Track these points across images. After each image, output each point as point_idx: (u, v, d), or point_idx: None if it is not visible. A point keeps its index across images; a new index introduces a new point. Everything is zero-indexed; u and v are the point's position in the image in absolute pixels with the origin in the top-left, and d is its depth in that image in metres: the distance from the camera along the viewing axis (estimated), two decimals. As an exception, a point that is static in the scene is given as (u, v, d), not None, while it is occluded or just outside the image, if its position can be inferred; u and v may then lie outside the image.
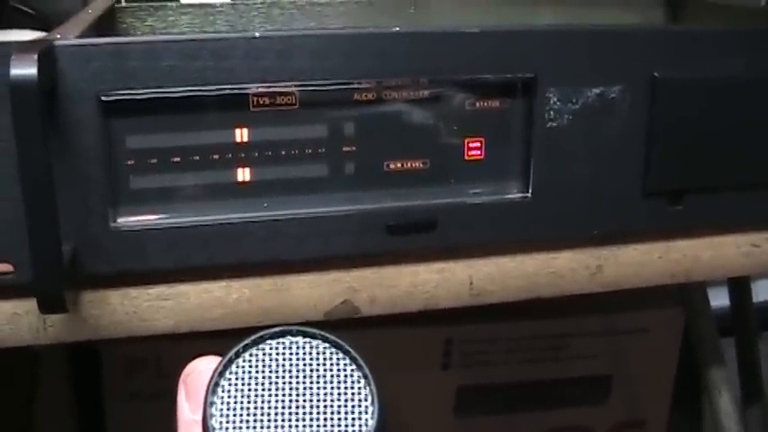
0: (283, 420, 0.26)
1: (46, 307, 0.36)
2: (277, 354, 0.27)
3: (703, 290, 0.67)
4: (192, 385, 0.28)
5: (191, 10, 0.56)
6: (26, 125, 0.33)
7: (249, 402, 0.26)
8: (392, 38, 0.40)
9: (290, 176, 0.41)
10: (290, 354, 0.27)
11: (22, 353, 0.46)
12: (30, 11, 0.58)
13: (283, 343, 0.27)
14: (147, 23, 0.53)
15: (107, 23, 0.49)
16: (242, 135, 0.40)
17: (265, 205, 0.41)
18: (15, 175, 0.34)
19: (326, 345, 0.28)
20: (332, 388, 0.27)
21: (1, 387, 0.69)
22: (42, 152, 0.33)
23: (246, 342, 0.27)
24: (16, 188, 0.34)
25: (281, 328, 0.28)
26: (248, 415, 0.26)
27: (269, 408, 0.26)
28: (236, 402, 0.26)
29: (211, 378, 0.27)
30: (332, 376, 0.27)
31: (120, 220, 0.39)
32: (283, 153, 0.40)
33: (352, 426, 0.26)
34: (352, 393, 0.27)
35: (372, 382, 0.27)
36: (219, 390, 0.26)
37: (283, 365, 0.27)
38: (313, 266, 0.42)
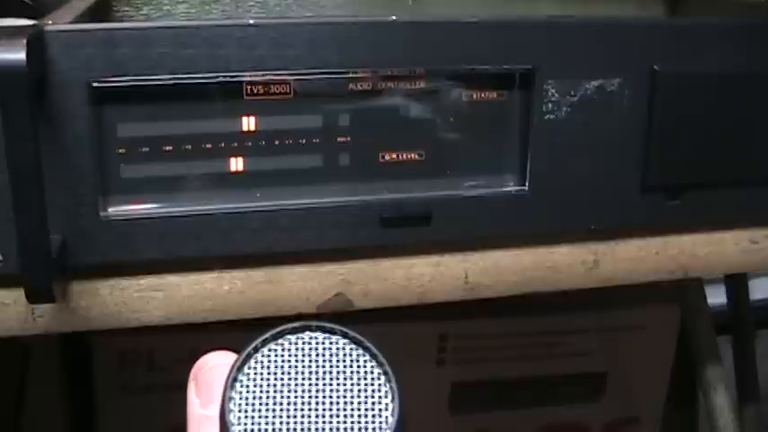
0: (302, 416, 0.26)
1: (34, 297, 0.36)
2: (296, 349, 0.27)
3: (700, 287, 0.67)
4: (202, 380, 0.28)
5: (187, -1, 0.56)
6: (14, 113, 0.32)
7: (268, 397, 0.26)
8: (389, 27, 0.39)
9: (283, 167, 0.40)
10: (310, 349, 0.27)
11: (12, 345, 0.46)
12: (27, 0, 0.57)
13: (303, 338, 0.27)
14: (142, 12, 0.52)
15: (101, 11, 0.48)
16: (235, 124, 0.39)
17: (258, 196, 0.40)
18: (3, 163, 0.34)
19: (346, 340, 0.27)
20: (352, 384, 0.26)
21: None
22: (31, 140, 0.33)
23: (265, 336, 0.27)
24: (4, 177, 0.34)
25: (300, 323, 0.27)
26: (267, 410, 0.26)
27: (288, 403, 0.26)
28: (254, 397, 0.26)
29: (230, 373, 0.26)
30: (352, 372, 0.27)
31: (111, 209, 0.38)
32: (277, 143, 0.40)
33: (372, 422, 0.26)
34: (372, 390, 0.26)
35: (393, 379, 0.26)
36: (238, 384, 0.26)
37: (303, 361, 0.27)
38: (306, 258, 0.42)
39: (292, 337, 0.27)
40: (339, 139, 0.40)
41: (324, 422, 0.26)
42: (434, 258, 0.43)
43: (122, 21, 0.49)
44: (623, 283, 0.47)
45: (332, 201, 0.40)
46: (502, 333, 0.76)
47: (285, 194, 0.40)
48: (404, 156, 0.41)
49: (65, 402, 0.72)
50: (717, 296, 0.76)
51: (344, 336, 0.27)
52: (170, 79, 0.37)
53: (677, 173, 0.45)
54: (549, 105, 0.42)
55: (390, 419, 0.26)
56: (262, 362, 0.26)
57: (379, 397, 0.26)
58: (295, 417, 0.26)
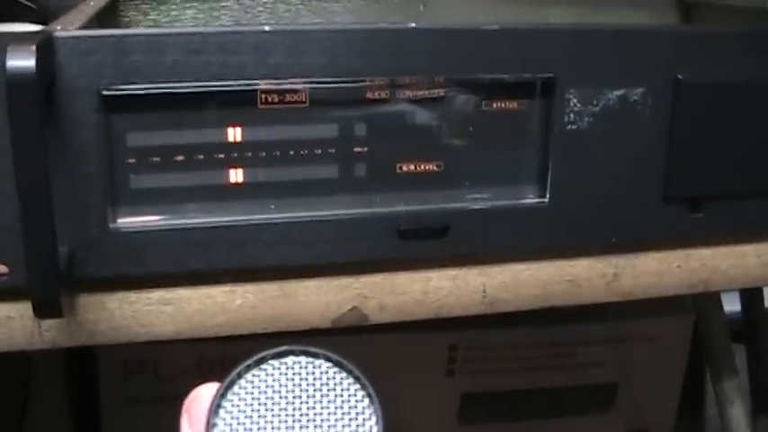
0: None
1: (41, 311, 0.35)
2: (279, 374, 0.27)
3: (717, 297, 0.66)
4: (194, 413, 0.28)
5: (195, 4, 0.55)
6: (23, 120, 0.31)
7: (252, 423, 0.26)
8: (408, 34, 0.38)
9: (298, 178, 0.39)
10: (293, 374, 0.27)
11: (15, 355, 0.45)
12: (31, 4, 0.57)
13: (286, 363, 0.27)
14: (149, 17, 0.51)
15: (109, 17, 0.47)
16: (249, 134, 0.38)
17: (272, 207, 0.39)
18: (10, 172, 0.33)
19: (329, 364, 0.28)
20: (335, 407, 0.27)
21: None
22: (39, 149, 0.32)
23: (248, 363, 0.27)
24: (11, 186, 0.33)
25: (283, 348, 0.28)
26: None
27: (272, 428, 0.26)
28: (238, 423, 0.26)
29: (213, 399, 0.26)
30: (335, 396, 0.27)
31: (120, 221, 0.37)
32: (292, 153, 0.39)
33: None
34: (356, 413, 0.27)
35: (376, 401, 0.27)
36: (222, 411, 0.26)
37: (286, 386, 0.27)
38: (321, 272, 0.41)
39: (275, 362, 0.27)
40: (355, 149, 0.39)
41: None
42: (452, 272, 0.42)
43: (131, 26, 0.48)
44: (643, 297, 0.46)
45: (347, 213, 0.39)
46: (512, 343, 0.75)
47: (300, 206, 0.39)
48: (421, 167, 0.40)
49: (69, 413, 0.71)
50: (730, 303, 0.75)
51: (327, 359, 0.28)
52: (182, 87, 0.36)
53: (700, 184, 0.44)
54: (571, 115, 0.40)
55: None
56: (245, 387, 0.27)
57: (363, 420, 0.27)
58: None
